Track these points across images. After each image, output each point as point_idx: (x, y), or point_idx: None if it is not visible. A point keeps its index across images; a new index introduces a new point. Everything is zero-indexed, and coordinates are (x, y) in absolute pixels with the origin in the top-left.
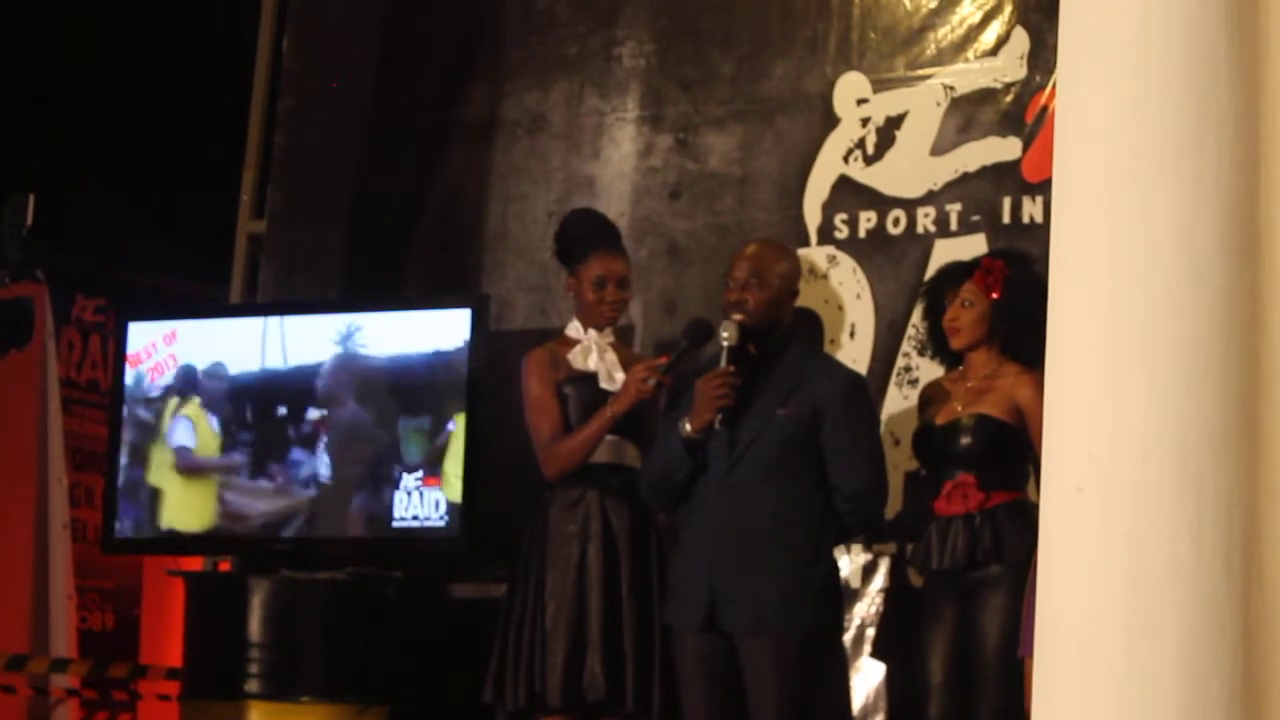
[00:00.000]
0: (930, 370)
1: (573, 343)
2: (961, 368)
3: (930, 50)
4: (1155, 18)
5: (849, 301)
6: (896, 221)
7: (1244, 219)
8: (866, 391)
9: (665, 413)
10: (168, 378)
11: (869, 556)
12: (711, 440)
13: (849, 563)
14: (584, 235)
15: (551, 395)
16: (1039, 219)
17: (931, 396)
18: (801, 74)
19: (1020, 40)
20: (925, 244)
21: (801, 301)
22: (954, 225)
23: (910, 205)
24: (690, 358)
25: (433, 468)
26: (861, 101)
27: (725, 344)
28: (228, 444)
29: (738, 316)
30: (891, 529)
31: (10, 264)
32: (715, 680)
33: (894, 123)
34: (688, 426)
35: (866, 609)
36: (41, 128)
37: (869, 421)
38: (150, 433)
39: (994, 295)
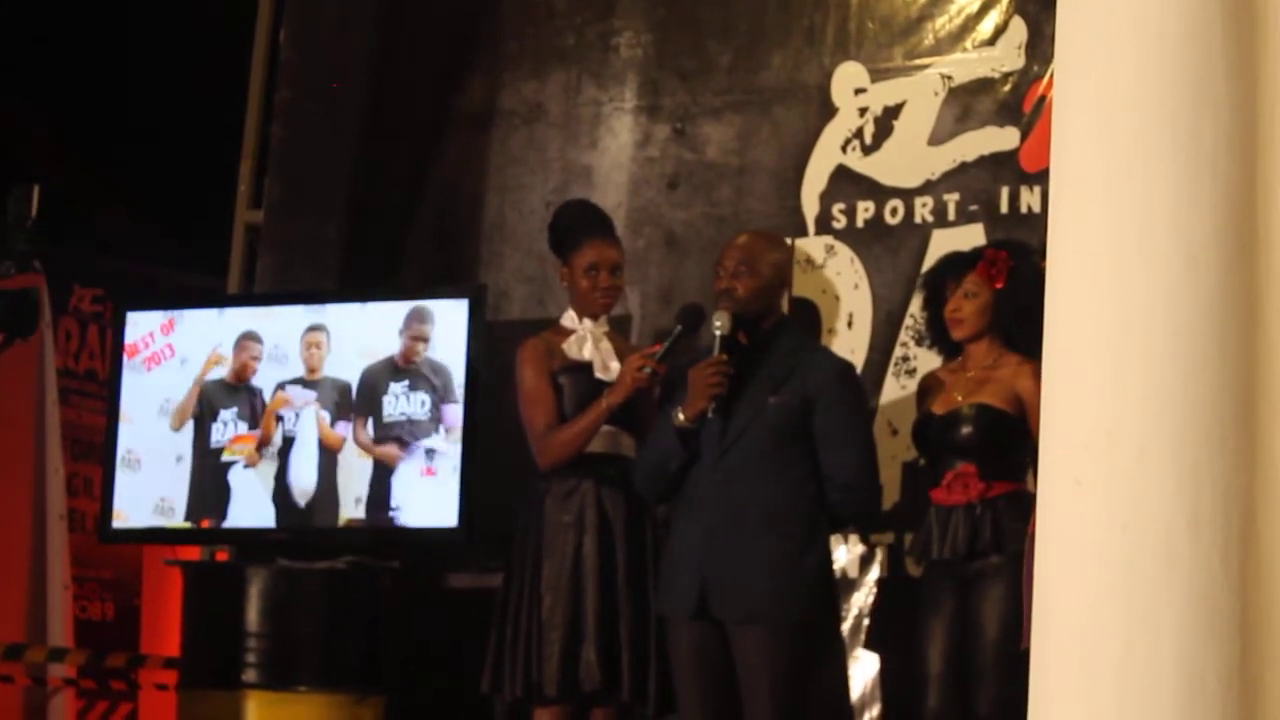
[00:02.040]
0: (928, 360)
1: (568, 332)
2: (961, 358)
3: (928, 40)
4: (1153, 7)
5: (846, 291)
6: (894, 211)
7: (1241, 210)
8: (858, 381)
9: (661, 405)
10: None
11: (866, 547)
12: (704, 430)
13: (846, 553)
14: (576, 224)
15: (546, 385)
16: (1036, 209)
17: (930, 386)
18: (799, 64)
19: (1018, 30)
20: (923, 234)
21: (799, 291)
22: (952, 215)
23: (908, 195)
24: (685, 346)
25: (430, 457)
26: (859, 91)
27: (718, 333)
28: None
29: (725, 305)
30: (889, 519)
31: (15, 255)
32: (709, 670)
33: (892, 113)
34: (681, 416)
35: (864, 599)
36: (39, 118)
37: (861, 411)
38: None
39: (997, 286)
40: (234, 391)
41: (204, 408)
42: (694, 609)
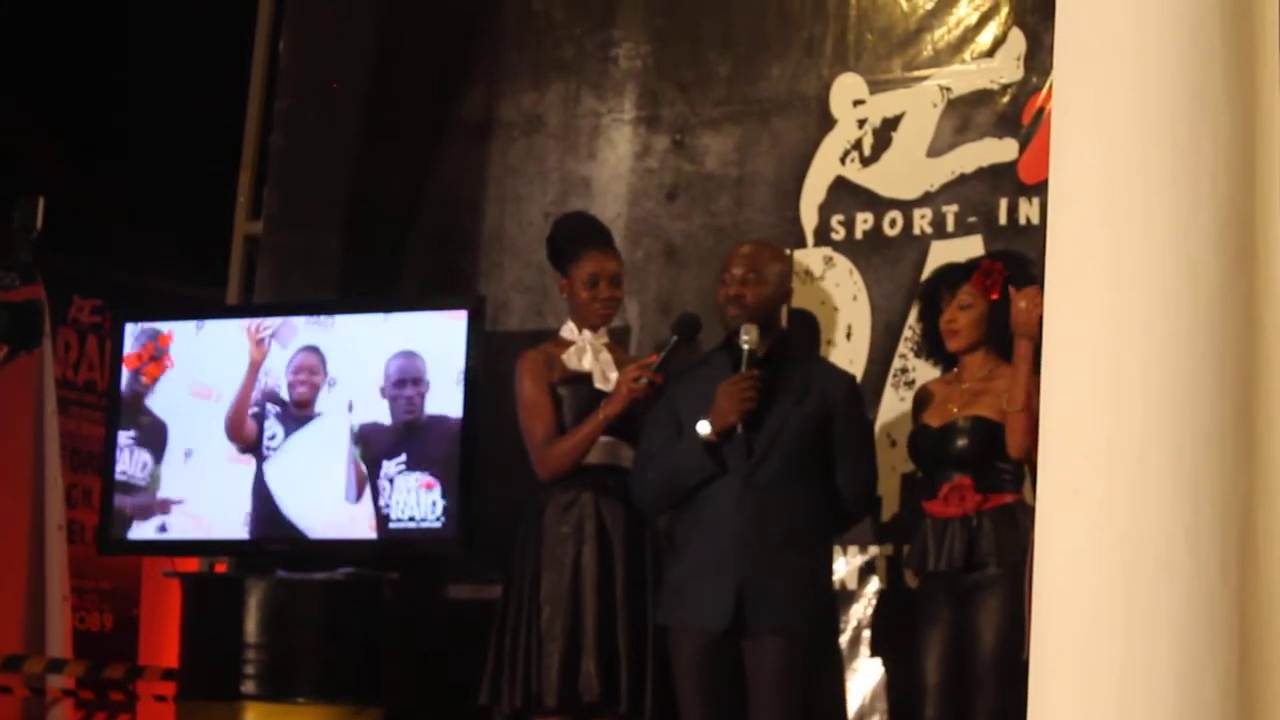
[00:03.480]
0: (927, 372)
1: (567, 344)
2: (956, 369)
3: (927, 51)
4: (1151, 20)
5: (845, 303)
6: (893, 223)
7: (1239, 221)
8: (862, 394)
9: (656, 416)
10: None
11: (866, 557)
12: (727, 444)
13: (845, 564)
14: (575, 236)
15: (546, 397)
16: (1035, 221)
17: (926, 398)
18: (798, 75)
19: (1017, 41)
20: (922, 245)
21: (798, 303)
22: (950, 227)
23: (907, 206)
24: (682, 356)
25: (430, 468)
26: (858, 103)
27: (746, 347)
28: None
29: (734, 312)
30: (888, 530)
31: (19, 266)
32: (715, 681)
33: (890, 124)
34: (708, 429)
35: (863, 610)
36: (38, 128)
37: (867, 424)
38: None
39: (993, 297)
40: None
41: None
42: (729, 622)
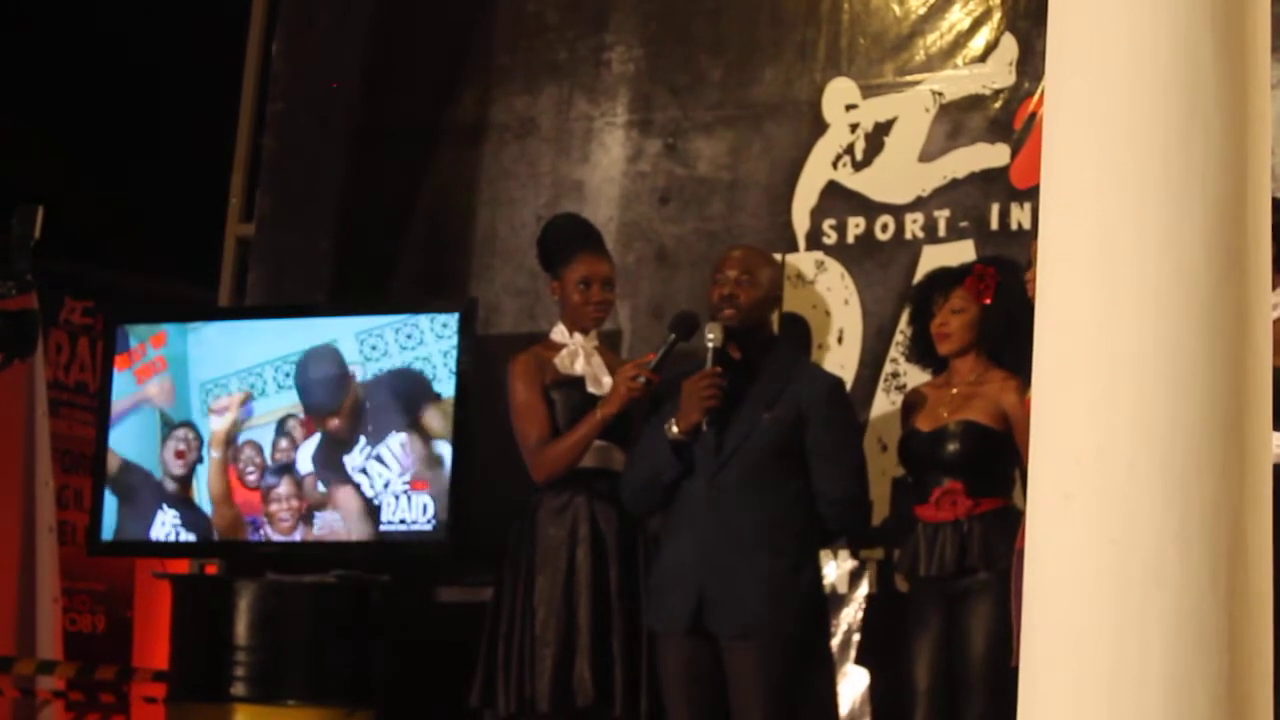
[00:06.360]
0: (918, 377)
1: (558, 347)
2: (946, 373)
3: (919, 56)
4: (1144, 24)
5: (837, 307)
6: (885, 227)
7: (1231, 225)
8: (848, 397)
9: (646, 417)
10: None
11: (856, 562)
12: (697, 443)
13: (835, 568)
14: (567, 238)
15: (539, 399)
16: (1027, 225)
17: (915, 403)
18: (791, 80)
19: (1009, 47)
20: (913, 250)
21: (789, 307)
22: (942, 231)
23: (899, 211)
24: (678, 357)
25: (420, 471)
26: (850, 107)
27: (711, 345)
28: None
29: (728, 312)
30: (878, 534)
31: (17, 275)
32: (699, 685)
33: (883, 129)
34: (675, 428)
35: (853, 614)
36: (30, 131)
37: (851, 427)
38: None
39: (985, 301)
40: None
41: None
42: (688, 624)
